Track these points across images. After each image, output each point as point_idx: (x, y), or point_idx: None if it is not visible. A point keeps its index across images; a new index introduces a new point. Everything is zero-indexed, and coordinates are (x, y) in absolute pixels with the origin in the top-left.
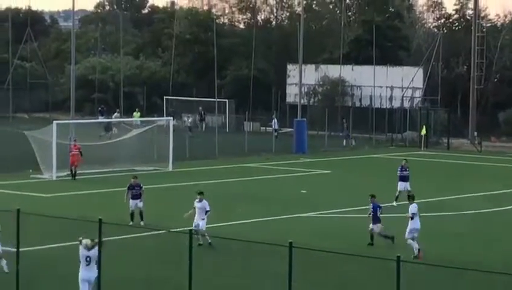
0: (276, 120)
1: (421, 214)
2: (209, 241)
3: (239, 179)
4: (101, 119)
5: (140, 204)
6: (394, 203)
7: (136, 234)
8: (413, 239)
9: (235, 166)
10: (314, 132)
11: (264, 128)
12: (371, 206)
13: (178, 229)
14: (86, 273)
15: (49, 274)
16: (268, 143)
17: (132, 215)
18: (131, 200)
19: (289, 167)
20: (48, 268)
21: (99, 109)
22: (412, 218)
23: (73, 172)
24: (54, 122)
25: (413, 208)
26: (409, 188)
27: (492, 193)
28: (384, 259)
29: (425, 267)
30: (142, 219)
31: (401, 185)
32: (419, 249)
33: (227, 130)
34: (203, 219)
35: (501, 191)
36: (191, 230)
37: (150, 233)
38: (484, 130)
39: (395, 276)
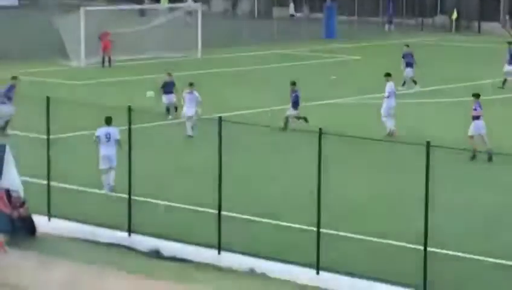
0: (292, 5)
1: (451, 99)
2: (191, 133)
3: (268, 65)
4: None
5: (174, 99)
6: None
7: (165, 122)
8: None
9: (265, 52)
10: (344, 17)
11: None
12: (293, 94)
13: (205, 116)
14: (106, 150)
15: (79, 158)
16: (297, 28)
17: (168, 109)
18: (164, 95)
19: (319, 52)
20: (77, 153)
21: None
22: (387, 97)
23: (107, 59)
24: (82, 8)
25: (388, 87)
26: (412, 74)
27: None
28: (412, 144)
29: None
30: (176, 110)
31: (409, 72)
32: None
33: (256, 16)
34: (193, 108)
35: None
36: (220, 117)
37: (178, 121)
38: None
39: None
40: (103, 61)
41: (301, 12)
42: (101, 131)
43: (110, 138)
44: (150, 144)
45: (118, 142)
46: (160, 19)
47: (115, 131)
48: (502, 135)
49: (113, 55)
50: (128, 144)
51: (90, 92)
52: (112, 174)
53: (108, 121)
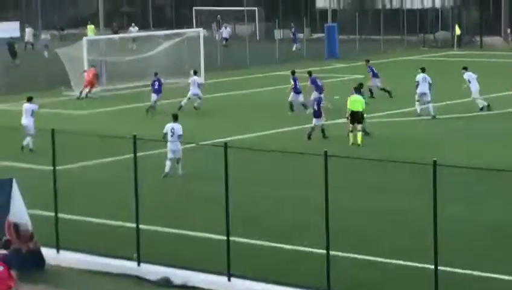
0: (294, 29)
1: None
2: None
3: (271, 87)
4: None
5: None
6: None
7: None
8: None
9: (267, 75)
10: (345, 36)
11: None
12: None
13: (207, 142)
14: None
15: (87, 191)
16: (299, 50)
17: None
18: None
19: (321, 73)
20: (85, 185)
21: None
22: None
23: (84, 93)
24: (84, 38)
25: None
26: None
27: None
28: (420, 163)
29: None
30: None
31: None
32: None
33: (258, 38)
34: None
35: None
36: (225, 143)
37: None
38: None
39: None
40: (81, 95)
41: (302, 33)
42: (168, 127)
43: (174, 133)
44: (156, 172)
45: (180, 137)
46: (162, 45)
47: (179, 127)
48: None
49: (117, 84)
50: (134, 171)
51: (92, 121)
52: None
53: (175, 118)
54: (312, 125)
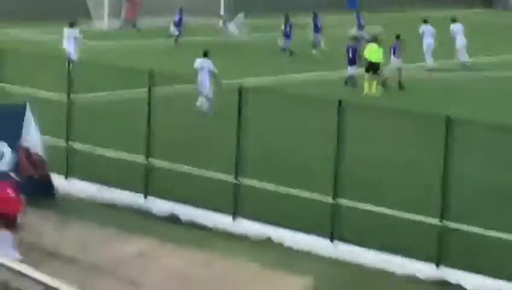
0: None
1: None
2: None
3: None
4: None
5: None
6: None
7: (188, 84)
8: None
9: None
10: None
11: None
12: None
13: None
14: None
15: (101, 122)
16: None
17: None
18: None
19: (340, 22)
20: (98, 114)
21: None
22: None
23: (122, 24)
24: None
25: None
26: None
27: None
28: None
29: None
30: None
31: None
32: None
33: None
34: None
35: None
36: (241, 85)
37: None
38: None
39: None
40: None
41: None
42: (198, 62)
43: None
44: (170, 109)
45: (212, 74)
46: None
47: (209, 62)
48: None
49: (142, 18)
50: (148, 108)
51: (114, 53)
52: (204, 100)
53: (205, 54)
54: (349, 73)
